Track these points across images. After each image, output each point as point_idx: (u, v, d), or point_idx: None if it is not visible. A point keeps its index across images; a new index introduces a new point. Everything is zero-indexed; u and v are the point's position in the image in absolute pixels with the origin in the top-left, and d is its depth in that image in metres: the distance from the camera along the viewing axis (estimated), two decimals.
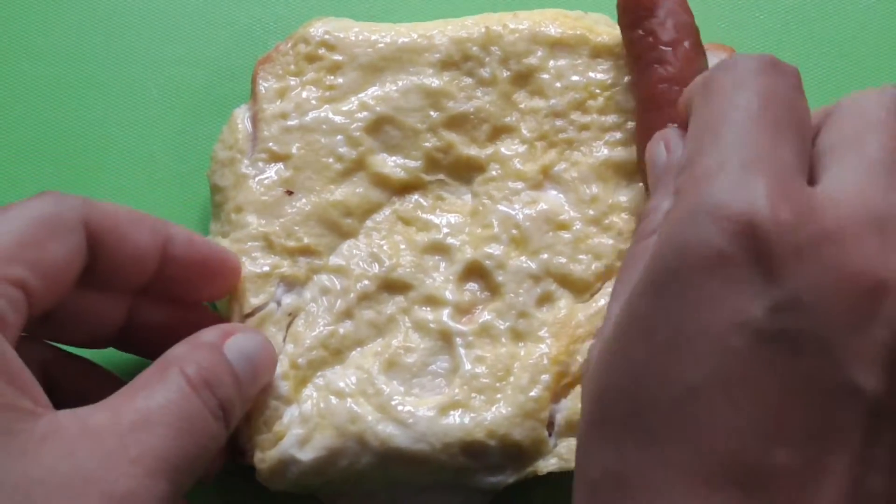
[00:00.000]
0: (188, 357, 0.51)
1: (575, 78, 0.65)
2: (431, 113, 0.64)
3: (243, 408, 0.55)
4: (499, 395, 0.60)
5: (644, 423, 0.42)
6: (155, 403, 0.49)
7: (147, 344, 0.59)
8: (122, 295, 0.57)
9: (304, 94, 0.65)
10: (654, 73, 0.60)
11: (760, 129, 0.44)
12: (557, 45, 0.65)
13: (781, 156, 0.43)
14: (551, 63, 0.65)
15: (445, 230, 0.63)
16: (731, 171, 0.42)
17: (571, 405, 0.60)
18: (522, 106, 0.65)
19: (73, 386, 0.57)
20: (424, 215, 0.64)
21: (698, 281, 0.41)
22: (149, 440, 0.47)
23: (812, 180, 0.44)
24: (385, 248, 0.63)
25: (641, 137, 0.61)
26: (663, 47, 0.60)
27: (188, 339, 0.53)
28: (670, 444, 0.41)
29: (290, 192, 0.63)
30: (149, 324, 0.59)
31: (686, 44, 0.60)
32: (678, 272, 0.42)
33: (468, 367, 0.60)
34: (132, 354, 0.61)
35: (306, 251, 0.62)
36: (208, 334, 0.54)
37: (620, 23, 0.63)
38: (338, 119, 0.64)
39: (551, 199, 0.64)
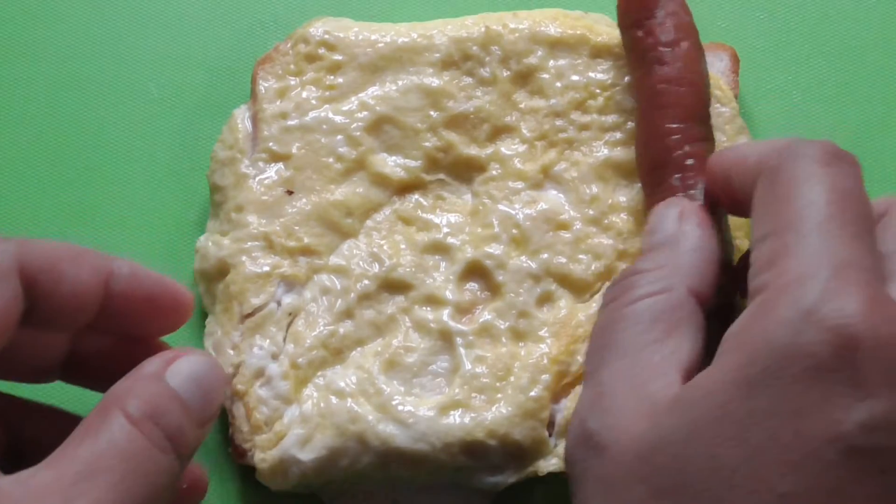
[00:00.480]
0: (129, 392, 0.49)
1: (575, 77, 0.65)
2: (431, 113, 0.64)
3: (200, 432, 0.52)
4: (499, 395, 0.60)
5: None
6: (98, 449, 0.47)
7: (94, 375, 0.57)
8: (64, 333, 0.56)
9: (304, 94, 0.65)
10: (655, 74, 0.60)
11: (840, 229, 0.45)
12: (557, 45, 0.65)
13: (863, 258, 0.44)
14: (551, 63, 0.65)
15: (446, 230, 0.63)
16: (822, 277, 0.43)
17: (571, 405, 0.60)
18: (522, 106, 0.65)
19: (37, 433, 0.56)
20: (425, 215, 0.64)
21: (797, 389, 0.42)
22: (93, 491, 0.46)
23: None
24: (385, 247, 0.63)
25: (641, 138, 0.61)
26: (663, 48, 0.61)
27: (130, 372, 0.51)
28: None
29: (290, 192, 0.63)
30: (93, 356, 0.57)
31: (685, 44, 0.61)
32: (777, 377, 0.42)
33: (468, 366, 0.60)
34: (81, 387, 0.59)
35: (307, 251, 0.62)
36: (149, 365, 0.51)
37: (620, 24, 0.63)
38: (338, 119, 0.64)
39: (551, 198, 0.64)
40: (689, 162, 0.58)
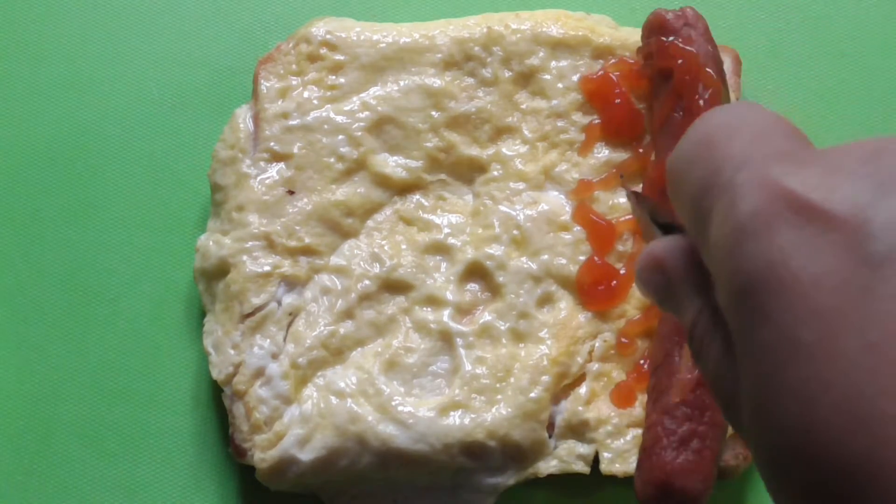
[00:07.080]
0: None
1: (576, 78, 0.65)
2: (433, 113, 0.64)
3: None
4: (499, 396, 0.60)
5: None
6: None
7: None
8: None
9: (306, 94, 0.65)
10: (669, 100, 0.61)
11: None
12: (559, 46, 0.65)
13: None
14: (553, 64, 0.65)
15: (447, 230, 0.63)
16: None
17: (571, 407, 0.60)
18: (524, 106, 0.65)
19: None
20: (426, 215, 0.64)
21: None
22: None
23: None
24: (386, 248, 0.63)
25: (656, 162, 0.61)
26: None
27: None
28: None
29: (291, 192, 0.63)
30: None
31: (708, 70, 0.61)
32: None
33: (468, 367, 0.60)
34: None
35: (307, 251, 0.62)
36: None
37: (642, 52, 0.63)
38: (339, 119, 0.64)
39: (552, 199, 0.64)
40: None
